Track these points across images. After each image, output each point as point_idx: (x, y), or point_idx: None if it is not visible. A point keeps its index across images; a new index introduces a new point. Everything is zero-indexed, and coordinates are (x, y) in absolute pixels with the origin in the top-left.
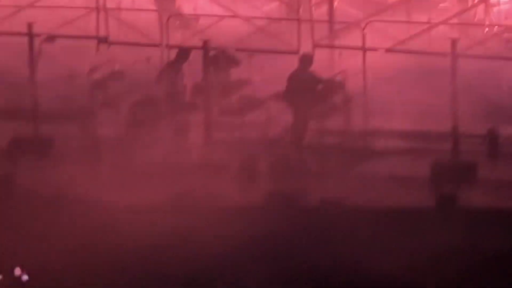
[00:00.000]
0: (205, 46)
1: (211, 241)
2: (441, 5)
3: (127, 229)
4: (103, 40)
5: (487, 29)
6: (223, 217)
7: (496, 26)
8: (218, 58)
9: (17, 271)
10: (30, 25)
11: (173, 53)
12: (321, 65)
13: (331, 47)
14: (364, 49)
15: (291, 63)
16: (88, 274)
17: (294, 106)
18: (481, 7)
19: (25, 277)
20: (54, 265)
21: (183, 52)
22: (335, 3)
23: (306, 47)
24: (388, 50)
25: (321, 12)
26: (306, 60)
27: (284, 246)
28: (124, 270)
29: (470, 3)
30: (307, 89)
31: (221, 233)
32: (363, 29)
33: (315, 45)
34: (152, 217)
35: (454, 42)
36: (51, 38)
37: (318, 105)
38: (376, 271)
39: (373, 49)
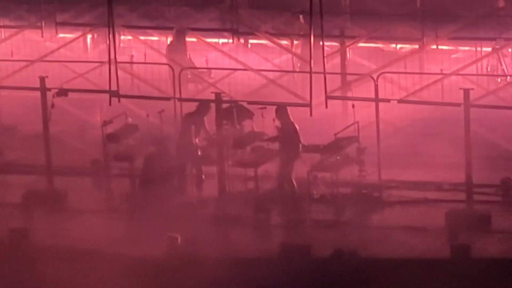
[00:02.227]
0: (217, 99)
1: None
2: (453, 55)
3: (142, 281)
4: (115, 94)
5: (499, 79)
6: (237, 268)
7: (509, 76)
8: (231, 110)
9: None
10: (42, 79)
11: (185, 106)
12: (334, 117)
13: (344, 98)
14: (376, 100)
15: (304, 115)
16: None
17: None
18: (493, 57)
19: None
20: None
21: (204, 105)
22: (348, 55)
23: (318, 99)
24: (401, 101)
25: (333, 63)
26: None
27: None
28: None
29: (482, 53)
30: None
31: (235, 285)
32: (376, 80)
33: (328, 97)
34: (166, 268)
35: (466, 93)
36: (63, 92)
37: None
38: None
39: (386, 100)
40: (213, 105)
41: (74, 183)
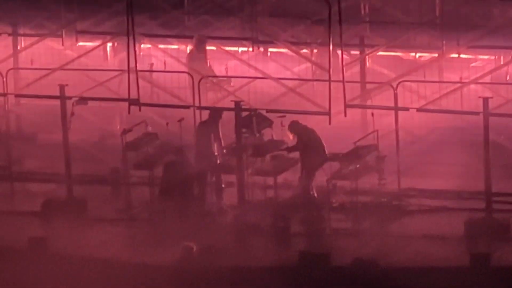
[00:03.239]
0: (237, 107)
1: None
2: (472, 64)
3: None
4: (135, 102)
5: None
6: (255, 277)
7: None
8: (250, 119)
9: None
10: (62, 88)
11: (205, 114)
12: (353, 125)
13: (363, 107)
14: (396, 109)
15: (323, 124)
16: None
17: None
18: None
19: None
20: None
21: (216, 112)
22: (367, 64)
23: (337, 108)
24: (420, 110)
25: (353, 72)
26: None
27: None
28: None
29: (501, 62)
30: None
31: None
32: (395, 89)
33: (347, 106)
34: (185, 276)
35: (485, 101)
36: (83, 100)
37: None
38: None
39: (405, 109)
40: (226, 111)
41: (94, 191)
